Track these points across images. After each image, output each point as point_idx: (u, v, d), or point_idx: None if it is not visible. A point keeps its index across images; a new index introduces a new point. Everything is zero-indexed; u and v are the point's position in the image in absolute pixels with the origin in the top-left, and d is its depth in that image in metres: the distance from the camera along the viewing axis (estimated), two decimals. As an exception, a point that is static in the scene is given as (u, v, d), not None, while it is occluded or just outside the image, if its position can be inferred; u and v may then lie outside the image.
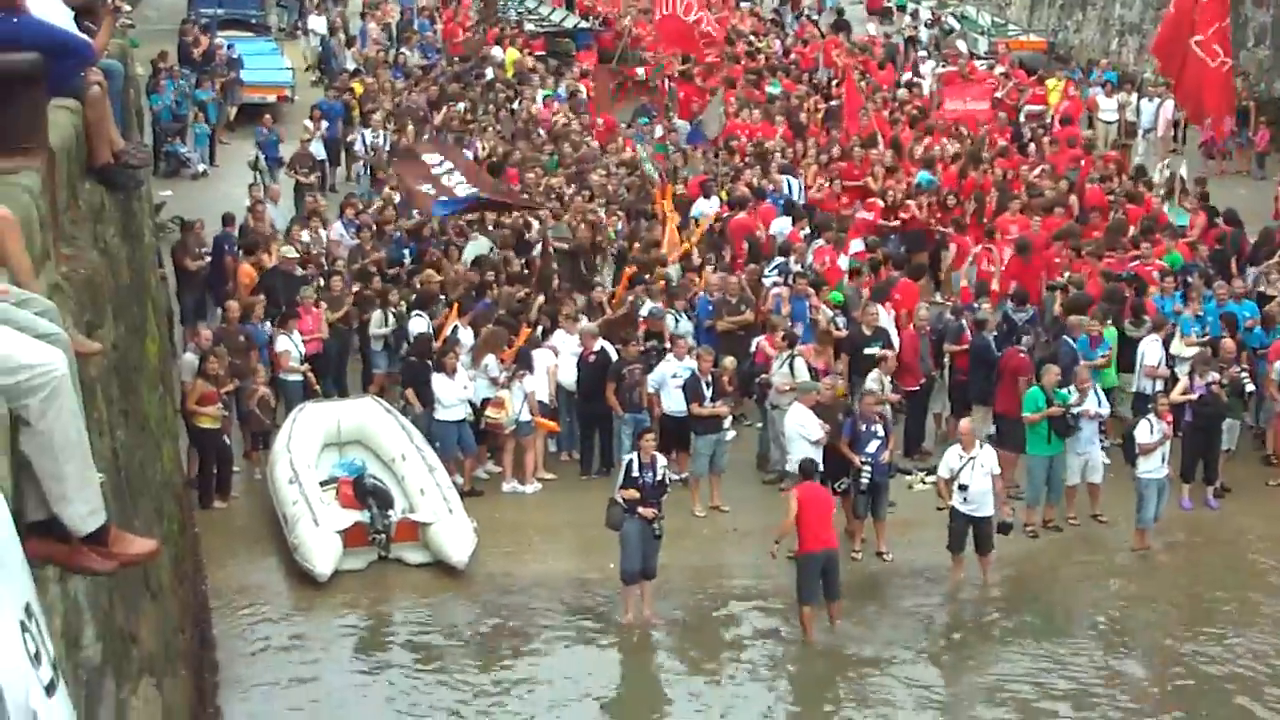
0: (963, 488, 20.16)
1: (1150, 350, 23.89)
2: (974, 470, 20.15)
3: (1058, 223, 28.68)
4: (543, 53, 45.20)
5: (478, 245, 27.09)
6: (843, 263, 27.04)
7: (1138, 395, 23.90)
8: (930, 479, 22.18)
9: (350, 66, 42.65)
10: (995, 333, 23.95)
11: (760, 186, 31.00)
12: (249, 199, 29.51)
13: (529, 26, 49.07)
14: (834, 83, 40.83)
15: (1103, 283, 25.60)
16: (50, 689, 5.06)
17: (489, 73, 41.07)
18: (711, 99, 36.88)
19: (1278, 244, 27.93)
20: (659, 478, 19.31)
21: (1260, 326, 24.46)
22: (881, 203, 30.53)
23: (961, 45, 48.36)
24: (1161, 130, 38.58)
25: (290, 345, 23.39)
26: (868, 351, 23.58)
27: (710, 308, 25.00)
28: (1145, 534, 21.65)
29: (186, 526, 19.03)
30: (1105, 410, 22.48)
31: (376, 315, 24.39)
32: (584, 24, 50.64)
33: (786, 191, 31.25)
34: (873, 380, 22.53)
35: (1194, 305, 24.78)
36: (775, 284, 25.69)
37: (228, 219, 28.00)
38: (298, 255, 26.01)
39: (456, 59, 43.78)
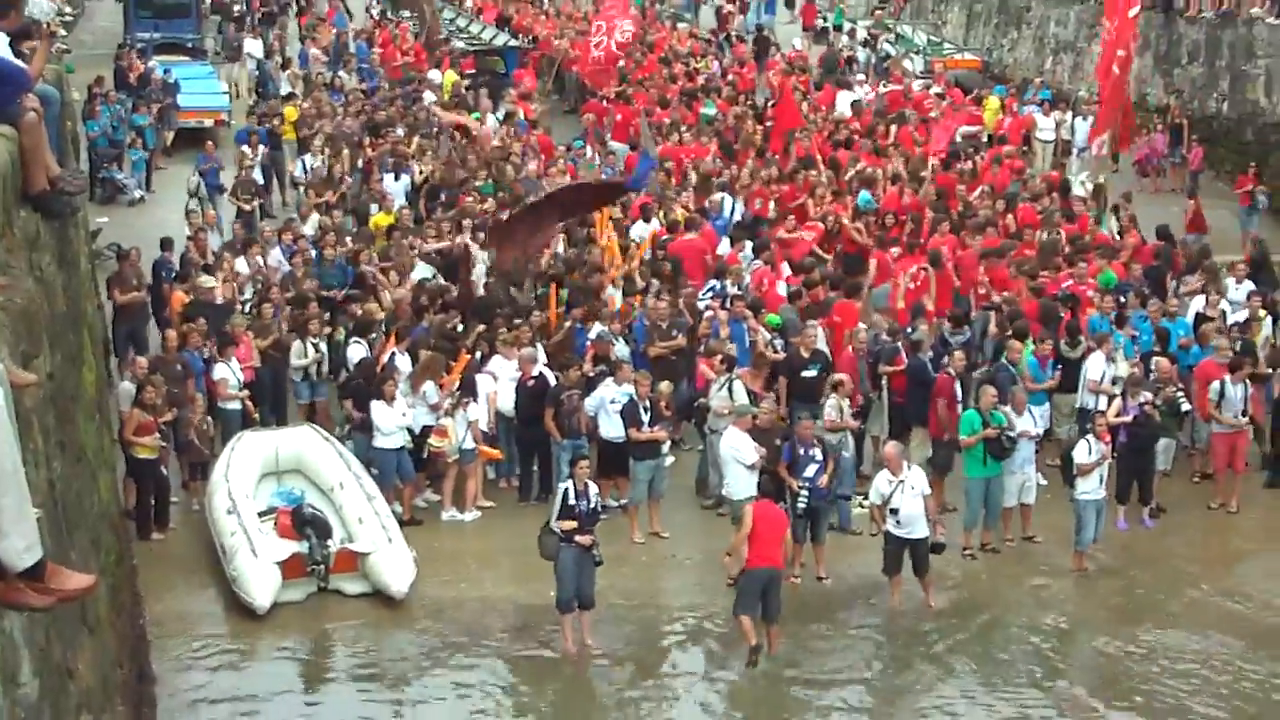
0: (894, 511, 20.20)
1: (1094, 365, 24.04)
2: (904, 493, 20.20)
3: (992, 242, 28.84)
4: (472, 71, 45.22)
5: (419, 271, 27.06)
6: (780, 287, 27.15)
7: (1081, 411, 24.03)
8: (863, 503, 22.26)
9: (285, 90, 42.59)
10: (931, 354, 24.01)
11: (704, 208, 31.08)
12: (189, 227, 29.39)
13: (458, 44, 49.22)
14: (770, 104, 40.90)
15: (1036, 302, 25.80)
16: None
17: (427, 95, 41.07)
18: (640, 120, 37.04)
19: (1204, 264, 28.23)
20: (593, 505, 19.29)
21: (1196, 344, 24.66)
22: (822, 225, 30.60)
23: (908, 65, 48.68)
24: (1095, 149, 38.80)
25: (228, 373, 23.31)
26: (805, 374, 23.69)
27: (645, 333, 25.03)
28: (1083, 556, 21.75)
29: (124, 558, 18.91)
30: (1041, 430, 22.65)
31: (296, 345, 24.36)
32: (514, 42, 50.69)
33: (728, 213, 31.38)
34: (831, 408, 22.60)
35: (1128, 327, 24.97)
36: (708, 307, 25.76)
37: (166, 244, 28.02)
38: (215, 284, 25.77)
39: (394, 83, 43.81)
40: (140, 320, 26.16)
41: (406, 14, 51.91)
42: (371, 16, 56.41)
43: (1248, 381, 23.73)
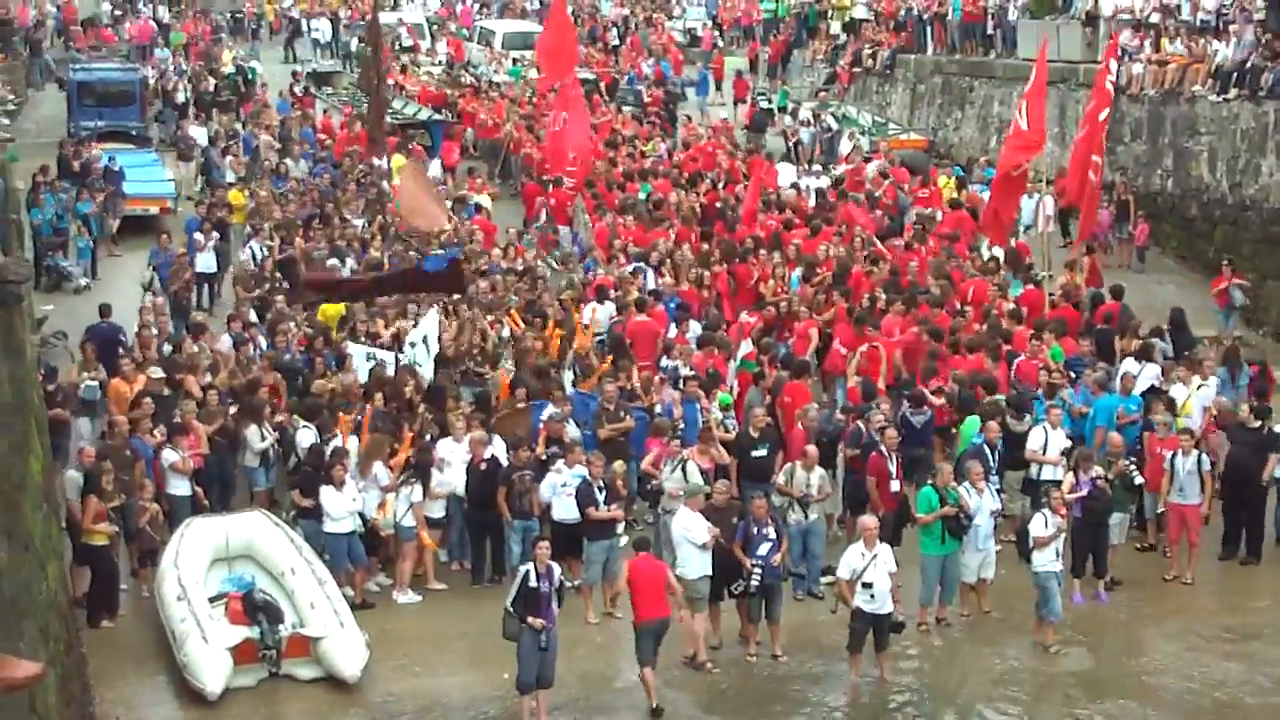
0: (866, 585, 20.14)
1: (1034, 435, 24.30)
2: (877, 568, 20.19)
3: (943, 320, 29.03)
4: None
5: (358, 352, 26.98)
6: (731, 366, 27.29)
7: (1027, 481, 24.29)
8: (828, 579, 22.23)
9: (230, 178, 42.61)
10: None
11: (656, 289, 31.19)
12: (138, 320, 29.36)
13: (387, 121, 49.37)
14: (718, 184, 41.06)
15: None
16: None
17: (383, 184, 41.33)
18: (571, 205, 37.28)
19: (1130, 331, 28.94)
20: (556, 584, 19.26)
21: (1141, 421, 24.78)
22: (774, 310, 30.70)
23: (861, 142, 49.04)
24: (1040, 225, 39.06)
25: (177, 457, 23.25)
26: (755, 454, 23.74)
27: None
28: (1050, 628, 21.77)
29: (73, 646, 18.78)
30: (999, 506, 22.74)
31: (252, 430, 24.27)
32: (438, 117, 50.84)
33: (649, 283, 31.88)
34: (801, 480, 22.76)
35: (1077, 402, 25.13)
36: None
37: (104, 310, 29.09)
38: (163, 375, 25.76)
39: (338, 166, 43.91)
40: (63, 437, 25.79)
41: (354, 96, 52.08)
42: (294, 94, 56.50)
43: (1198, 454, 23.88)
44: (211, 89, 55.51)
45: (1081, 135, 30.10)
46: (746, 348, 28.04)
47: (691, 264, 32.94)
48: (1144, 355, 27.52)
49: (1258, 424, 24.84)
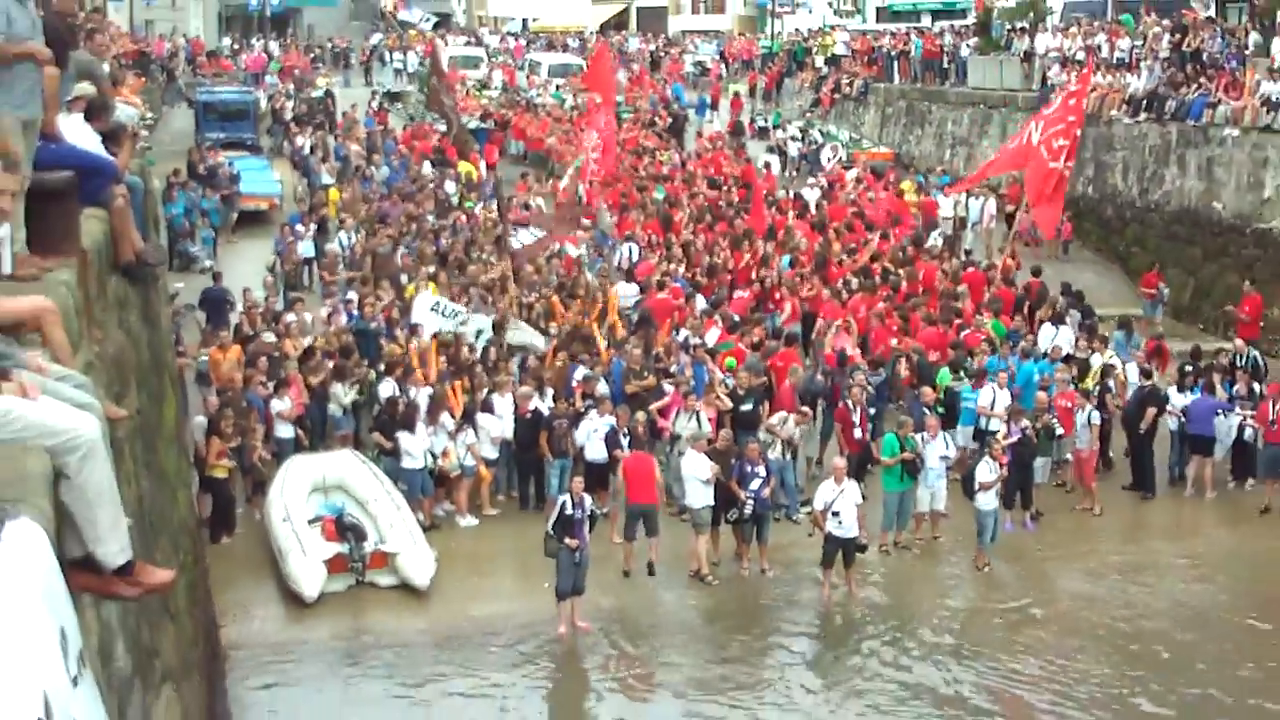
0: (835, 514, 20.23)
1: (984, 394, 24.46)
2: (844, 499, 20.25)
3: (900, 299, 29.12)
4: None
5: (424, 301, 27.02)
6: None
7: (976, 431, 24.38)
8: (805, 510, 22.30)
9: (325, 180, 42.59)
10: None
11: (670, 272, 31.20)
12: (261, 290, 30.05)
13: (440, 127, 49.41)
14: (721, 186, 41.07)
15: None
16: (75, 681, 5.06)
17: (449, 184, 41.43)
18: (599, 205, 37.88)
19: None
20: (589, 512, 19.36)
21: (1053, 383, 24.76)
22: (760, 286, 30.74)
23: (840, 154, 49.04)
24: (985, 223, 39.05)
25: (284, 405, 23.41)
26: (744, 408, 23.79)
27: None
28: (984, 553, 21.83)
29: (198, 559, 18.84)
30: (953, 453, 22.72)
31: (337, 388, 24.33)
32: (483, 125, 50.82)
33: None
34: (790, 428, 23.05)
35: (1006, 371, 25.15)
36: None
37: (216, 276, 30.67)
38: (275, 340, 25.99)
39: (418, 172, 43.91)
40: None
41: (434, 115, 52.07)
42: (371, 109, 56.54)
43: (1091, 410, 24.07)
44: (306, 109, 55.43)
45: (1053, 150, 29.36)
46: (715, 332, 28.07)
47: (699, 251, 33.03)
48: (1058, 320, 27.89)
49: (1146, 381, 25.18)
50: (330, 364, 24.64)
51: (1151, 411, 24.41)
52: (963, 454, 23.91)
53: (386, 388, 23.78)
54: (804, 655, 19.15)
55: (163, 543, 13.04)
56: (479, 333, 26.32)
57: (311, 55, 74.67)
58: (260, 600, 20.09)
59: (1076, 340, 27.19)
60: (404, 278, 30.18)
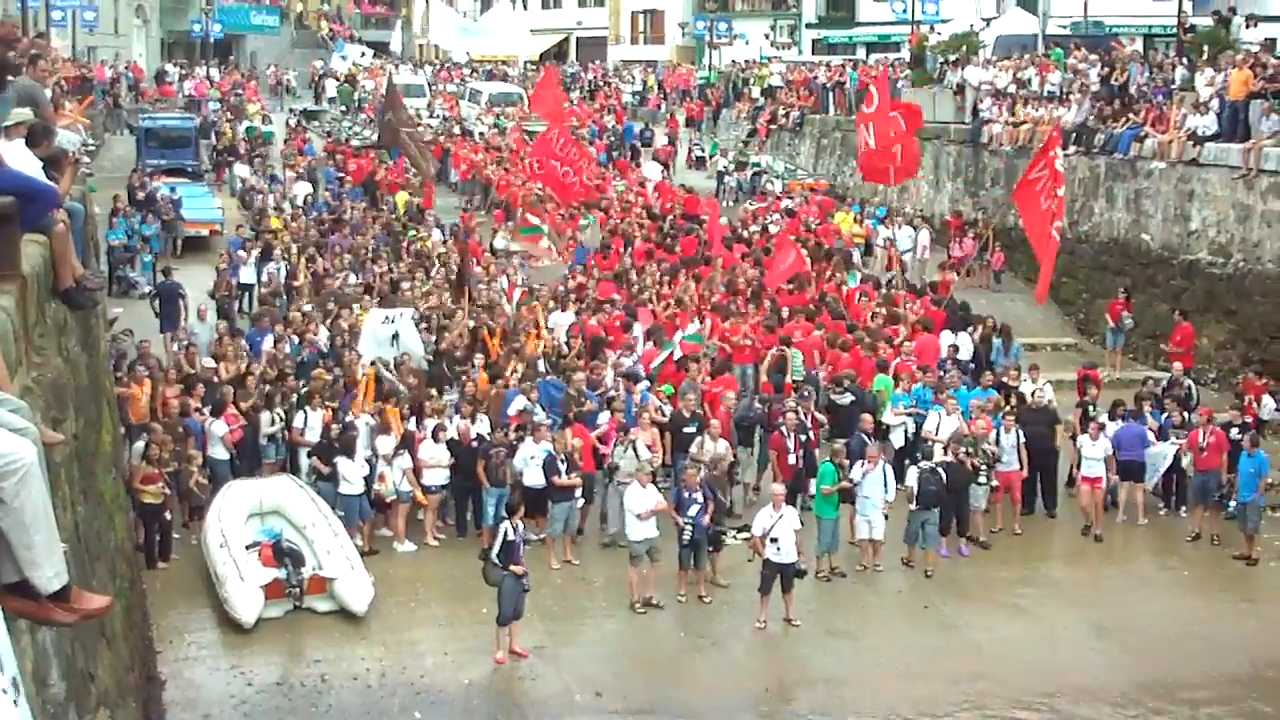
0: (773, 540, 20.21)
1: (929, 420, 24.88)
2: (783, 526, 20.26)
3: (838, 328, 29.18)
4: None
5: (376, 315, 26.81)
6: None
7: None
8: (743, 535, 22.26)
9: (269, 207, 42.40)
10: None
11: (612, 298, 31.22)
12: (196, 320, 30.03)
13: (354, 143, 50.86)
14: (660, 218, 41.24)
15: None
16: (12, 704, 5.02)
17: (386, 210, 41.47)
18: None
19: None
20: (523, 538, 19.31)
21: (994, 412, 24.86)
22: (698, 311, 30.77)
23: (772, 186, 49.27)
24: (918, 252, 39.26)
25: (222, 429, 23.34)
26: (685, 431, 23.78)
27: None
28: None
29: (135, 583, 18.73)
30: (892, 495, 22.61)
31: (265, 415, 24.15)
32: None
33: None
34: (710, 449, 22.90)
35: (948, 399, 25.16)
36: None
37: (167, 272, 31.99)
38: (215, 366, 25.85)
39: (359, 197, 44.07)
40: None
41: (361, 139, 52.39)
42: (290, 127, 57.42)
43: (1018, 432, 24.25)
44: (242, 135, 55.35)
45: (1045, 208, 28.98)
46: (679, 338, 28.08)
47: (638, 278, 33.09)
48: (957, 329, 29.33)
49: (1044, 403, 25.55)
50: (266, 388, 24.49)
51: (1060, 429, 25.01)
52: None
53: (300, 418, 23.65)
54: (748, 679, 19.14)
55: (99, 568, 12.93)
56: (394, 336, 25.94)
57: (245, 82, 74.10)
58: (197, 625, 19.92)
59: (1007, 369, 27.34)
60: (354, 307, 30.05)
